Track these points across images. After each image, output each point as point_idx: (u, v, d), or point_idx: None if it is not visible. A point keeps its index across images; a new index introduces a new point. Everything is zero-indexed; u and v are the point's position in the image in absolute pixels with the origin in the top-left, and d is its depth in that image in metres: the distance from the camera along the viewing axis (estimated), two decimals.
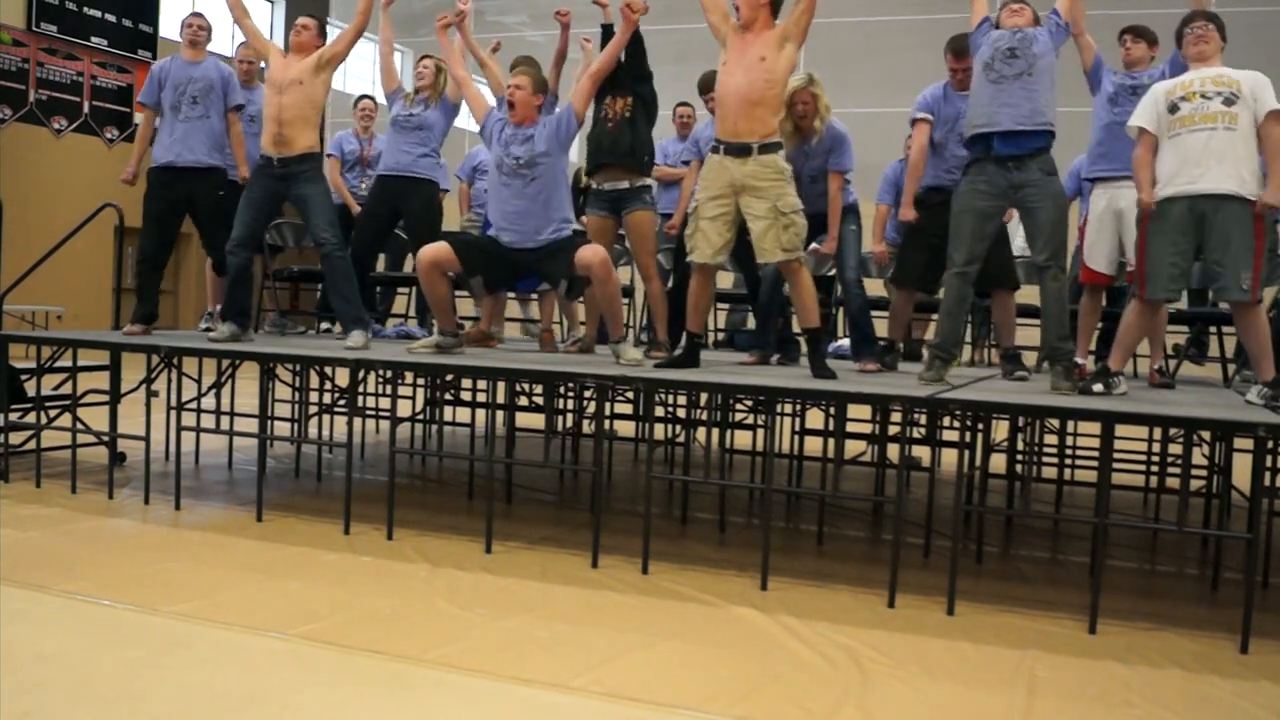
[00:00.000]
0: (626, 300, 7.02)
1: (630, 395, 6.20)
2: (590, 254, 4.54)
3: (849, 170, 5.18)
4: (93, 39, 13.65)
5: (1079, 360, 5.11)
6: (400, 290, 7.38)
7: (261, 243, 5.52)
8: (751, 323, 6.52)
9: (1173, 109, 4.08)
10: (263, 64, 5.74)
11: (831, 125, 5.15)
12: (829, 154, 5.13)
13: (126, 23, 14.10)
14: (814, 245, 5.24)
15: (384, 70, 6.01)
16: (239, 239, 5.21)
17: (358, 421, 4.98)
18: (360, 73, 17.67)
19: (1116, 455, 4.26)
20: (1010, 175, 4.24)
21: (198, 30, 5.64)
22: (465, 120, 5.67)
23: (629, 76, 5.22)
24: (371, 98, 7.26)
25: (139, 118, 5.88)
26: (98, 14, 13.71)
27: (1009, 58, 4.29)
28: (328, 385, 6.12)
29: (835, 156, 5.13)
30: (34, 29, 12.89)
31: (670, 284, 5.77)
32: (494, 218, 4.79)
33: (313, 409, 6.20)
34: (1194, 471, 4.69)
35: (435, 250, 4.70)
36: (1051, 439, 6.01)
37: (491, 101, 5.15)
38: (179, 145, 5.46)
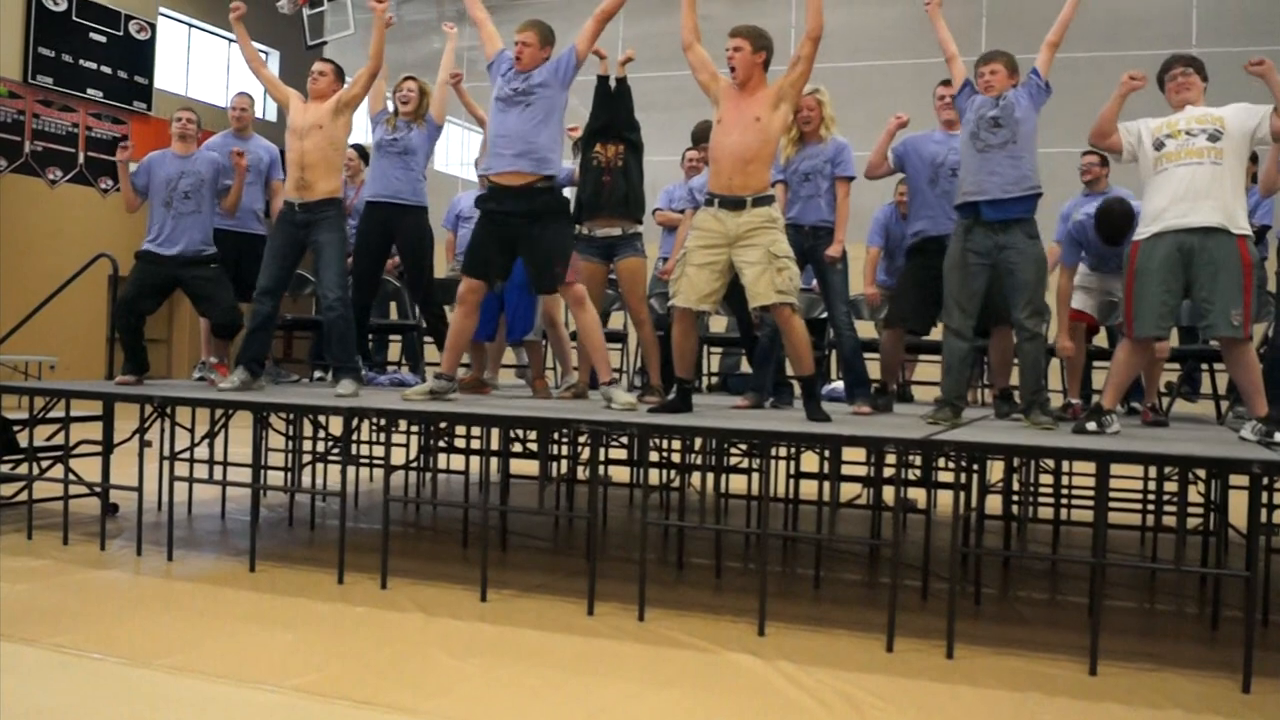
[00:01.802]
0: (620, 345, 7.03)
1: (624, 441, 6.19)
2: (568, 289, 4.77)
3: (854, 177, 5.19)
4: (88, 90, 13.77)
5: (1072, 400, 5.12)
6: (392, 338, 7.39)
7: (284, 292, 5.52)
8: (745, 367, 6.52)
9: (1158, 145, 4.13)
10: (258, 114, 5.78)
11: (834, 137, 5.15)
12: (832, 163, 5.11)
13: (122, 74, 14.22)
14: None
15: (373, 92, 6.06)
16: (264, 288, 5.24)
17: (351, 469, 4.96)
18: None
19: (1112, 494, 4.25)
20: (996, 237, 4.45)
21: (186, 124, 5.68)
22: (452, 165, 5.67)
23: (619, 124, 5.29)
24: (356, 147, 7.20)
25: (134, 167, 5.85)
26: (93, 66, 13.83)
27: (993, 127, 4.46)
28: (321, 433, 6.10)
29: (841, 166, 5.13)
30: (30, 81, 13.00)
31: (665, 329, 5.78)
32: (490, 147, 4.84)
33: (306, 457, 6.17)
34: (1190, 509, 4.68)
35: (465, 284, 4.77)
36: (1047, 479, 6.00)
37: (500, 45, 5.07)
38: (169, 242, 5.51)
